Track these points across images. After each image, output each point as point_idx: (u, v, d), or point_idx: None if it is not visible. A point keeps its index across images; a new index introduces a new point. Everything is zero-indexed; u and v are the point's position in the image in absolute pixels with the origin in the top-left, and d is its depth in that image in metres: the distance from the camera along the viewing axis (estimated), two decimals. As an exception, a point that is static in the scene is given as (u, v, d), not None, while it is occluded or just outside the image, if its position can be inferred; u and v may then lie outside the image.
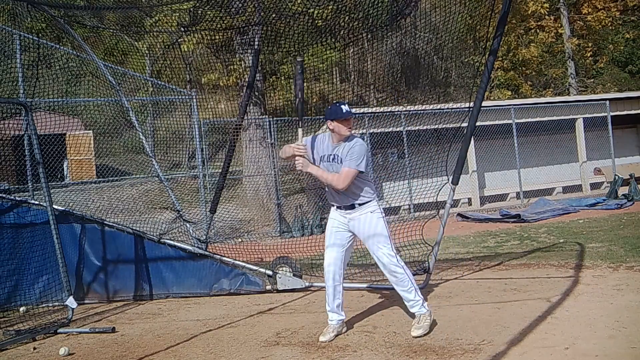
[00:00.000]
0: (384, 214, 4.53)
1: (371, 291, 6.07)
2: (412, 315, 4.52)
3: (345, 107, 4.42)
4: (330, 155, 4.49)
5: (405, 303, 4.55)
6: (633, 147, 18.61)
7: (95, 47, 7.86)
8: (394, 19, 6.38)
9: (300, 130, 4.58)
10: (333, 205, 4.61)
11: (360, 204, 4.46)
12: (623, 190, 13.83)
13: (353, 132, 4.53)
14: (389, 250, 4.44)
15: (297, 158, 4.46)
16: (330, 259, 4.55)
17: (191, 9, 7.12)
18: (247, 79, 9.60)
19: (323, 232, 11.88)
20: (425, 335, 4.32)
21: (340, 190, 4.38)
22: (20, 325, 5.58)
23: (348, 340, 4.42)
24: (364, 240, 4.52)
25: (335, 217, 4.59)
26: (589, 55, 26.99)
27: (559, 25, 25.63)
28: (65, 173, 15.24)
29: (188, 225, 7.39)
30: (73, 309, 5.70)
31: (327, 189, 4.60)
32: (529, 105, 16.42)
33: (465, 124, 5.67)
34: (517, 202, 15.08)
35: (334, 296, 4.54)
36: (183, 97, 10.41)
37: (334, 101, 4.77)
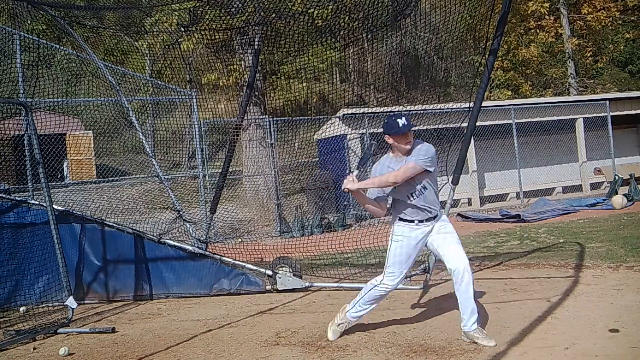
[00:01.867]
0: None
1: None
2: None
3: (401, 121, 4.02)
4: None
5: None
6: (633, 147, 18.60)
7: (95, 47, 7.86)
8: (394, 19, 6.38)
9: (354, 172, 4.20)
10: (412, 222, 4.21)
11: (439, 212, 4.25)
12: (623, 190, 13.82)
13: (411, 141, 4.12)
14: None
15: (345, 182, 4.10)
16: (400, 279, 4.33)
17: (191, 9, 7.12)
18: (247, 79, 9.61)
19: (323, 232, 11.95)
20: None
21: (399, 182, 4.00)
22: (20, 325, 5.58)
23: (348, 340, 4.42)
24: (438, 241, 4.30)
25: (414, 235, 4.23)
26: (589, 55, 26.96)
27: (559, 25, 25.62)
28: (65, 173, 15.25)
29: (188, 225, 7.39)
30: (73, 309, 5.70)
31: (412, 208, 4.17)
32: (529, 105, 16.41)
33: (465, 124, 5.67)
34: (517, 202, 15.07)
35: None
36: (183, 97, 10.40)
37: (392, 113, 4.32)
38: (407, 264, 4.29)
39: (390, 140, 4.13)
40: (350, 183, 4.06)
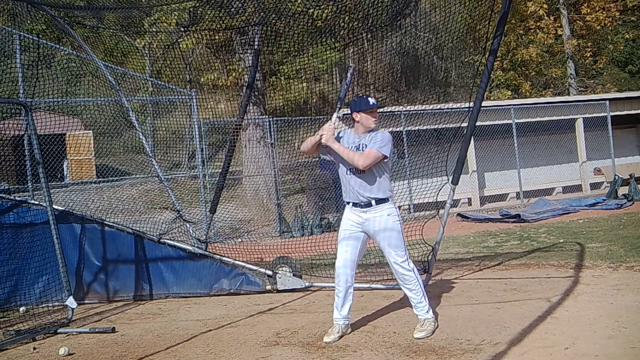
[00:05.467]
0: (400, 216, 4.51)
1: (371, 291, 6.07)
2: (415, 316, 4.52)
3: (371, 99, 4.44)
4: (356, 146, 4.46)
5: (413, 306, 4.52)
6: (633, 147, 18.60)
7: (95, 48, 7.86)
8: (394, 19, 6.38)
9: (334, 115, 4.62)
10: (348, 204, 4.53)
11: (377, 202, 4.41)
12: (623, 190, 13.83)
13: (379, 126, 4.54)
14: (401, 254, 4.41)
15: (324, 129, 4.49)
16: (342, 261, 4.50)
17: (191, 9, 7.13)
18: (247, 79, 9.61)
19: (323, 232, 11.95)
20: (426, 338, 4.30)
21: (361, 167, 4.32)
22: (20, 325, 5.58)
23: (348, 340, 4.42)
24: (378, 241, 4.48)
25: (350, 217, 4.52)
26: (588, 55, 26.96)
27: (559, 25, 25.61)
28: (65, 173, 15.26)
29: (188, 225, 7.39)
30: (73, 309, 5.70)
31: (344, 185, 4.52)
32: (529, 105, 16.41)
33: (465, 124, 5.67)
34: (517, 202, 15.08)
35: (345, 298, 4.51)
36: (183, 97, 10.41)
37: (359, 94, 4.79)
38: (342, 244, 4.53)
39: (357, 117, 4.47)
40: (329, 138, 4.45)
